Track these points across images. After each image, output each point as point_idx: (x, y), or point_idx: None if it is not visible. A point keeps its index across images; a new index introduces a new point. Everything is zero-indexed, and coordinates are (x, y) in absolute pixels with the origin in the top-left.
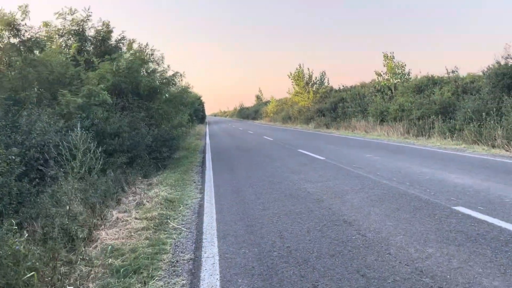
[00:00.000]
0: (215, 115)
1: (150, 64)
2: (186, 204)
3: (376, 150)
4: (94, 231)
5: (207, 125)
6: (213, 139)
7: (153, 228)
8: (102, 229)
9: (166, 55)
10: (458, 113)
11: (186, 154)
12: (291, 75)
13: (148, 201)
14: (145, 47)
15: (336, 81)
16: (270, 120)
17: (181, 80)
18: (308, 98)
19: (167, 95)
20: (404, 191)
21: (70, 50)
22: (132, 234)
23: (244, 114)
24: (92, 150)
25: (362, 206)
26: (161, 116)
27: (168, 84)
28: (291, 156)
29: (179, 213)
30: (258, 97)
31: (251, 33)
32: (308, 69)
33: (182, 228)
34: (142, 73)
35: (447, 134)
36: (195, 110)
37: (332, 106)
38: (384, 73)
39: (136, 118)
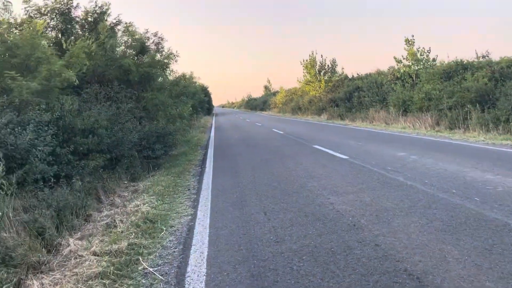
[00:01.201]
0: (223, 107)
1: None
2: (172, 227)
3: (407, 146)
4: (28, 277)
5: (214, 117)
6: (218, 132)
7: (114, 273)
8: (40, 273)
9: (176, 47)
10: (502, 101)
11: (185, 150)
12: (303, 61)
13: (123, 220)
14: (145, 32)
15: (349, 69)
16: (278, 111)
17: (175, 61)
18: (320, 87)
19: (167, 84)
20: (479, 213)
21: (36, 26)
22: (79, 286)
23: (252, 105)
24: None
25: (426, 241)
26: (155, 107)
27: (162, 67)
28: (306, 154)
29: (158, 243)
30: (266, 88)
31: (260, 22)
32: (322, 56)
33: (156, 275)
34: (132, 58)
35: (490, 126)
36: (200, 102)
37: (347, 96)
38: (404, 59)
39: (122, 110)
